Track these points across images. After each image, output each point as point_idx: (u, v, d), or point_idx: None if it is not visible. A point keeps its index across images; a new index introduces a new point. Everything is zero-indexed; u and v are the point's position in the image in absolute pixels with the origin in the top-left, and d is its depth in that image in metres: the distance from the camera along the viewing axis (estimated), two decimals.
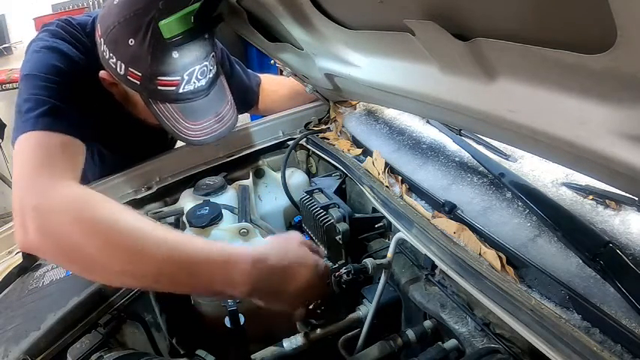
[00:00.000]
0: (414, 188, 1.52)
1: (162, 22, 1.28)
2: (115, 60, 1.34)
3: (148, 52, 1.30)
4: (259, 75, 2.23)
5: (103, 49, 1.35)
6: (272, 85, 2.22)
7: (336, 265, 1.64)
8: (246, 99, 2.17)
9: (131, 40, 1.29)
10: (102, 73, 1.42)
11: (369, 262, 1.42)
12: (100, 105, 1.46)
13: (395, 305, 1.51)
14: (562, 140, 0.87)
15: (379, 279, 1.44)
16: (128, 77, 1.35)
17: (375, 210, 1.66)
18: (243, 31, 1.67)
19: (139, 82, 1.35)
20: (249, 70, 2.21)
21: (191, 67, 1.37)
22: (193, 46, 1.36)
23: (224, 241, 1.57)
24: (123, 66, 1.34)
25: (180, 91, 1.38)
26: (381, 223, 1.67)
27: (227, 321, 1.42)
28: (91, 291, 1.39)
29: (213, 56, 1.45)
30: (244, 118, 5.56)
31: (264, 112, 2.25)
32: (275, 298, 1.17)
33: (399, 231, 1.41)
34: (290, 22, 1.41)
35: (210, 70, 1.43)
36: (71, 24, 1.50)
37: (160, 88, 1.36)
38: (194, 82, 1.39)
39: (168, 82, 1.36)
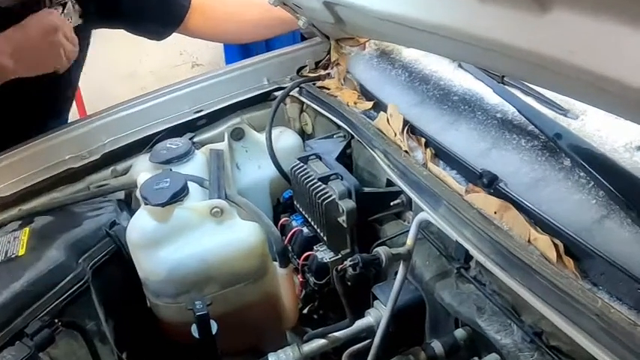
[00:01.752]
0: (441, 154, 1.53)
1: None
2: None
3: None
4: None
5: None
6: (227, 2, 2.28)
7: (339, 256, 1.70)
8: (166, 8, 2.23)
9: None
10: None
11: (382, 251, 1.41)
12: None
13: (416, 309, 1.53)
14: (638, 90, 0.87)
15: (396, 274, 1.45)
16: None
17: (390, 182, 1.67)
18: None
19: None
20: None
21: None
22: None
23: (191, 224, 1.59)
24: None
25: None
26: (397, 200, 1.67)
27: (194, 329, 1.42)
28: (15, 290, 1.39)
29: None
30: (217, 60, 5.58)
31: (208, 36, 2.33)
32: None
33: (422, 210, 1.42)
34: None
35: None
36: None
37: None
38: None
39: None
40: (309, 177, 1.71)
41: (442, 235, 1.49)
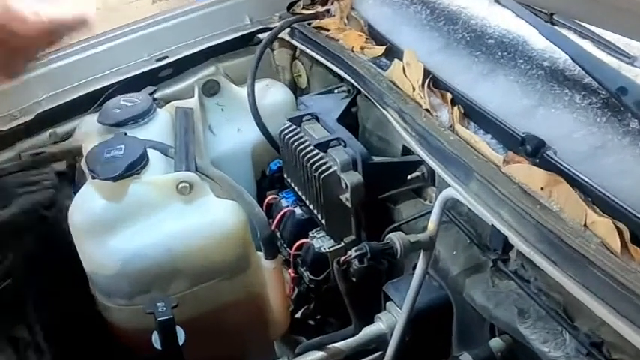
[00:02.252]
0: (473, 113, 1.53)
1: None
2: None
3: None
4: None
5: None
6: None
7: (341, 245, 1.73)
8: None
9: None
10: None
11: (396, 238, 1.42)
12: None
13: (441, 312, 1.54)
14: None
15: (414, 268, 1.46)
16: None
17: (407, 150, 1.68)
18: None
19: None
20: None
21: None
22: None
23: (151, 204, 1.59)
24: None
25: None
26: (417, 173, 1.67)
27: (156, 338, 1.41)
28: None
29: None
30: None
31: None
32: None
33: (448, 186, 1.41)
34: None
35: None
36: None
37: None
38: None
39: None
40: (303, 143, 1.71)
41: (474, 218, 1.49)
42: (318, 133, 1.73)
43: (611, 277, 1.08)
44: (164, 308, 1.41)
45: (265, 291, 1.72)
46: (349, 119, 1.92)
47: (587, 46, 1.52)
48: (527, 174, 1.31)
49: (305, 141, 1.71)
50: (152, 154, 1.71)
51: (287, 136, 1.76)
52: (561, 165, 1.28)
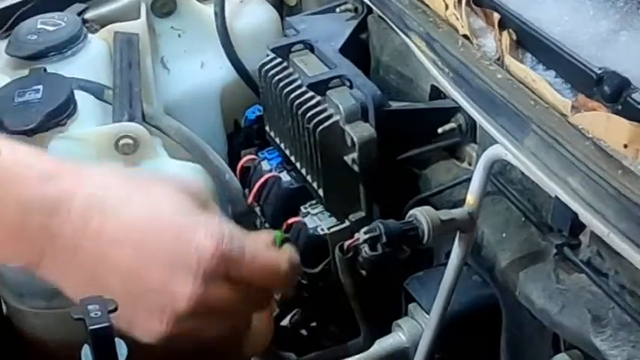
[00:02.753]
0: (529, 40, 1.52)
1: None
2: None
3: None
4: None
5: None
6: None
7: (346, 225, 1.74)
8: None
9: None
10: None
11: (422, 215, 1.41)
12: None
13: (485, 318, 1.56)
14: None
15: (447, 257, 1.48)
16: None
17: (436, 92, 1.68)
18: None
19: None
20: None
21: None
22: None
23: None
24: None
25: None
26: (451, 125, 1.67)
27: (87, 353, 1.34)
28: None
29: None
30: None
31: None
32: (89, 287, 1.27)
33: (495, 143, 1.41)
34: None
35: None
36: None
37: None
38: None
39: None
40: (292, 83, 1.71)
41: (530, 187, 1.49)
42: (313, 69, 1.72)
43: None
44: (98, 313, 1.31)
45: None
46: (357, 49, 1.92)
47: None
48: (604, 125, 1.30)
49: (295, 79, 1.71)
50: (82, 97, 1.72)
51: (270, 73, 1.76)
52: None
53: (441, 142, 1.70)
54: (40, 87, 1.67)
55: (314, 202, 1.79)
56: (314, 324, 1.87)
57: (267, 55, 1.80)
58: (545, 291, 1.40)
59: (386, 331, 1.57)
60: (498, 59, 1.53)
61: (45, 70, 1.78)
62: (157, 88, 2.03)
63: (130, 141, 1.64)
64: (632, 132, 1.25)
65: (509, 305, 1.52)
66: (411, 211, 1.43)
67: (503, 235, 1.54)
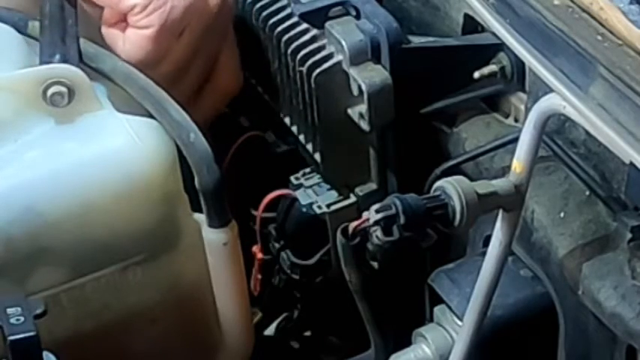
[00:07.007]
0: None
1: None
2: None
3: None
4: None
5: None
6: None
7: (351, 200, 1.69)
8: None
9: None
10: None
11: (453, 188, 1.24)
12: None
13: (537, 325, 1.44)
14: None
15: (485, 244, 1.36)
16: None
17: (470, 23, 1.57)
18: None
19: None
20: None
21: None
22: None
23: None
24: None
25: None
26: (491, 67, 1.53)
27: None
28: None
29: None
30: None
31: None
32: None
33: (551, 91, 1.24)
34: None
35: None
36: None
37: None
38: None
39: None
40: (279, 12, 1.61)
41: (596, 151, 1.38)
42: None
43: None
44: (21, 319, 1.22)
45: (209, 286, 1.52)
46: None
47: None
48: None
49: (283, 6, 1.55)
50: None
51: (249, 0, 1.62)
52: None
53: (478, 90, 1.56)
54: None
55: (308, 170, 1.66)
56: (308, 333, 1.81)
57: None
58: (617, 289, 1.31)
59: (405, 342, 1.45)
60: None
61: None
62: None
63: (63, 88, 1.43)
64: None
65: (570, 308, 1.40)
66: (438, 183, 1.27)
67: (561, 214, 1.42)
